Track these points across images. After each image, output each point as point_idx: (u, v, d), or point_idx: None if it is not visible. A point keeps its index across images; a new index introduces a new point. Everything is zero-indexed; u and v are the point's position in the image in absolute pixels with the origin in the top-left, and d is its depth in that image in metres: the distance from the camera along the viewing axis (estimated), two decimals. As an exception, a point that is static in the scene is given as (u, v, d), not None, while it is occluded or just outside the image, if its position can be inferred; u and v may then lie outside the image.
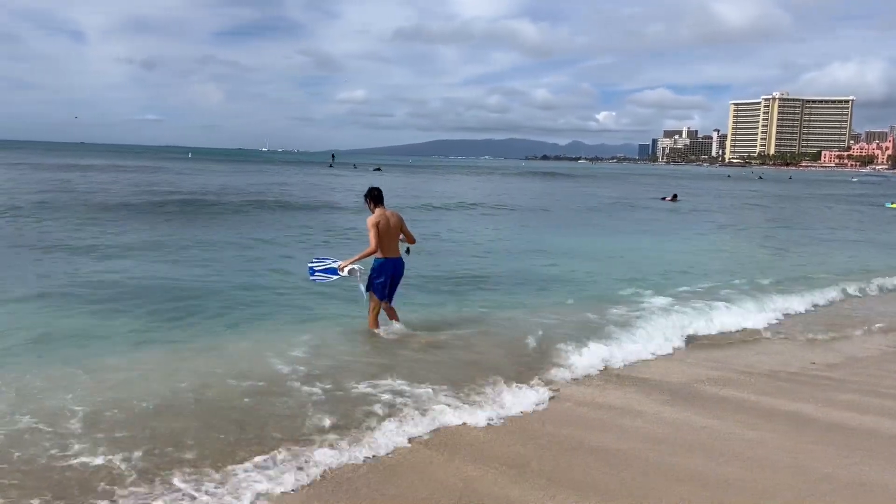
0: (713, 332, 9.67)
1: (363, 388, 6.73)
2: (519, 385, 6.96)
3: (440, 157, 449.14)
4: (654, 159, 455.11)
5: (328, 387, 6.71)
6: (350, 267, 8.75)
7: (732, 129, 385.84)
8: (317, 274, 9.10)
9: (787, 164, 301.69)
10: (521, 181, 73.12)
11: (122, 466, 4.95)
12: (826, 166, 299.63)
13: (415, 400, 6.43)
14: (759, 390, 7.36)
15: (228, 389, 6.58)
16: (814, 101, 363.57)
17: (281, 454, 5.23)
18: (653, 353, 8.52)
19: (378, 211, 8.67)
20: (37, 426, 5.57)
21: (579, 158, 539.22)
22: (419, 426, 5.89)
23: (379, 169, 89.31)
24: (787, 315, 11.10)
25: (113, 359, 7.47)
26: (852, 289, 13.32)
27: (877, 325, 10.66)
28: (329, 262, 9.07)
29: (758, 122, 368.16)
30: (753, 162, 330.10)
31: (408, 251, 9.14)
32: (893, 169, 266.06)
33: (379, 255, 8.60)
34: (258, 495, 4.68)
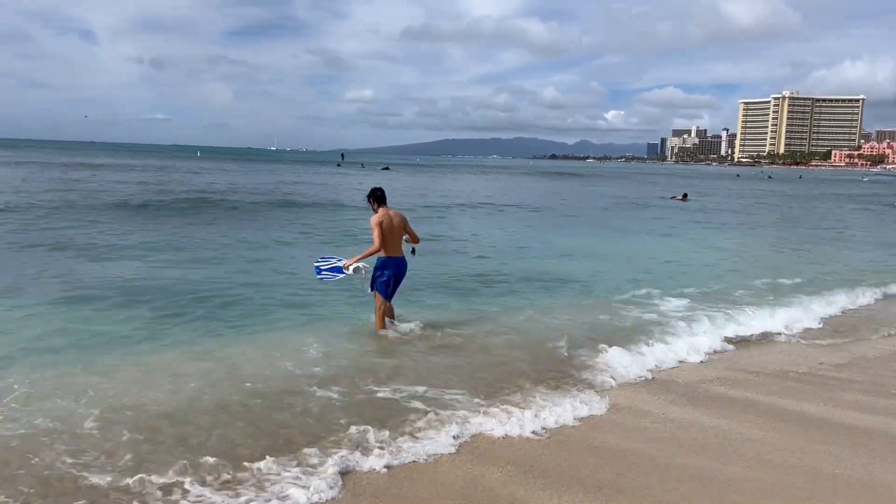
0: (727, 334, 9.59)
1: (383, 392, 6.64)
2: (544, 391, 6.89)
3: (448, 157, 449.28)
4: (663, 158, 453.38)
5: (345, 390, 6.66)
6: (355, 265, 8.86)
7: (742, 128, 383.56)
8: (323, 273, 9.16)
9: (797, 164, 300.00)
10: (530, 180, 72.97)
11: (140, 470, 4.86)
12: (836, 166, 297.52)
13: (440, 404, 6.35)
14: (767, 390, 7.36)
15: (243, 391, 6.55)
16: (824, 100, 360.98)
17: (307, 458, 5.12)
18: (680, 360, 8.38)
19: (381, 210, 8.75)
20: (52, 427, 5.56)
21: (587, 158, 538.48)
22: (449, 431, 5.75)
23: (387, 168, 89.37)
24: (797, 316, 11.02)
25: (124, 359, 7.51)
26: (864, 290, 13.26)
27: (887, 327, 10.63)
28: (334, 260, 9.19)
29: (767, 121, 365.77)
30: (763, 161, 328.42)
31: (413, 252, 9.16)
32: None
33: (382, 254, 8.69)
34: (284, 498, 4.60)
